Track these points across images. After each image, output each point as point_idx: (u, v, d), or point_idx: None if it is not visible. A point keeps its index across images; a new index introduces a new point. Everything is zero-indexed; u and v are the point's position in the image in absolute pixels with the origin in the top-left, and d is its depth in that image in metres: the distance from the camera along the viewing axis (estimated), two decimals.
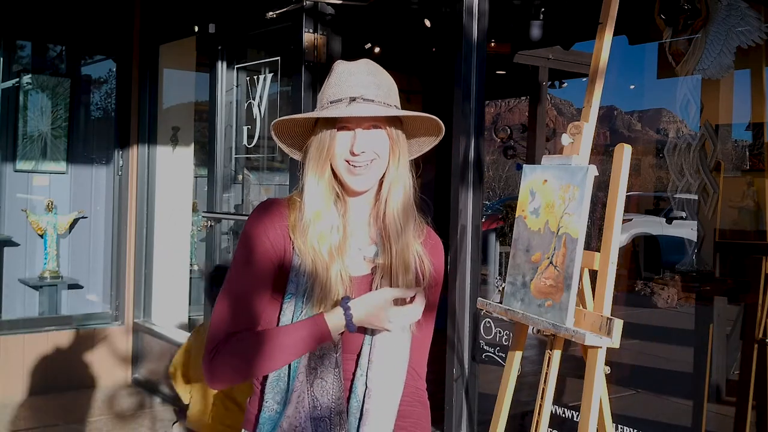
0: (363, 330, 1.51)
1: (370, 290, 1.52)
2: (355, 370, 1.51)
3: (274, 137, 1.58)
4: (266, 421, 1.49)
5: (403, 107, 1.54)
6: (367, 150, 1.47)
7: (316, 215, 1.48)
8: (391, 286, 1.50)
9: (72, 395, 5.06)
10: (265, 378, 1.51)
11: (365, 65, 1.52)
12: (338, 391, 1.47)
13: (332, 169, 1.50)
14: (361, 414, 1.50)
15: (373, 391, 1.49)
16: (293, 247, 1.48)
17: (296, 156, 1.61)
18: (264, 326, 1.48)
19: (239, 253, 1.51)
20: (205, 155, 5.21)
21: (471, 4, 3.13)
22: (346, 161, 1.48)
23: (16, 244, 5.32)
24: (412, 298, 1.49)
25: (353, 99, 1.46)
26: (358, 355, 1.52)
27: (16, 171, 5.31)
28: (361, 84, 1.48)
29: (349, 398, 1.50)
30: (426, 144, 1.62)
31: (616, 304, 1.96)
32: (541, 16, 4.20)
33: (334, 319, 1.43)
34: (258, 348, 1.43)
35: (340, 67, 1.52)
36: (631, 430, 2.78)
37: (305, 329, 1.43)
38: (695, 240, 3.60)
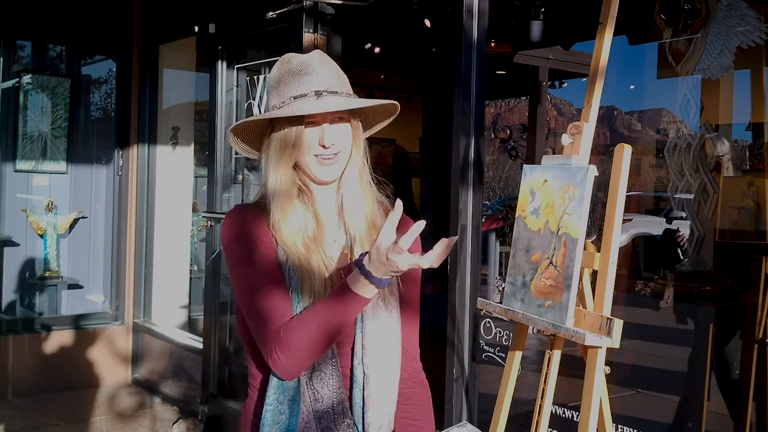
0: (353, 320, 1.50)
1: None
2: (352, 360, 1.51)
3: (232, 142, 1.57)
4: (266, 425, 1.48)
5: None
6: (336, 142, 1.48)
7: (284, 211, 1.48)
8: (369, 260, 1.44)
9: (72, 395, 5.06)
10: (264, 380, 1.50)
11: (320, 56, 1.53)
12: (337, 381, 1.48)
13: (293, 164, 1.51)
14: (364, 402, 1.50)
15: (371, 377, 1.49)
16: (277, 244, 1.49)
17: (254, 156, 1.60)
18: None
19: (240, 256, 1.48)
20: (205, 155, 5.21)
21: (471, 4, 3.13)
22: (315, 155, 1.49)
23: (16, 244, 5.32)
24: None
25: (319, 93, 1.46)
26: (353, 348, 1.52)
27: (16, 171, 5.30)
28: (322, 76, 1.48)
29: (351, 389, 1.51)
30: (380, 122, 1.64)
31: (616, 304, 1.96)
32: (541, 16, 4.20)
33: (359, 284, 1.37)
34: (320, 329, 1.39)
35: (296, 59, 1.52)
36: (631, 430, 2.78)
37: (343, 303, 1.39)
38: (695, 240, 3.59)
